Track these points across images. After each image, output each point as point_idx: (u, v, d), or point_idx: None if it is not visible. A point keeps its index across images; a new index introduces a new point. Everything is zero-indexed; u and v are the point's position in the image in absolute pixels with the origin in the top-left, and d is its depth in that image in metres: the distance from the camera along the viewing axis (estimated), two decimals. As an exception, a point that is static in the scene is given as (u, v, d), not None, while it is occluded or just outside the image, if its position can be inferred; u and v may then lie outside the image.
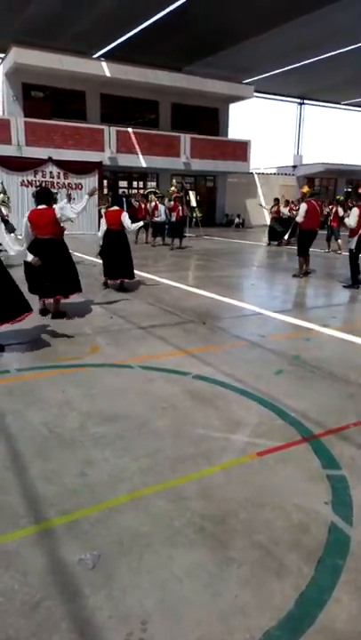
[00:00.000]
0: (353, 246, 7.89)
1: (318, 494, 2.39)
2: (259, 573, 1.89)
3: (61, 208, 5.68)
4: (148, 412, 3.31)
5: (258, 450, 2.81)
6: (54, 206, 5.66)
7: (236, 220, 24.42)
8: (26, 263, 5.52)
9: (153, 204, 14.36)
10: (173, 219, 13.63)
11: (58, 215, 5.56)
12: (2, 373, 4.02)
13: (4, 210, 10.92)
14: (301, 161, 29.73)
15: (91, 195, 6.34)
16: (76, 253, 11.50)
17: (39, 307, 5.87)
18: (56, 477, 2.52)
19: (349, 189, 23.76)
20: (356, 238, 7.81)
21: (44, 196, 5.79)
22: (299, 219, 8.87)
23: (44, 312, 5.91)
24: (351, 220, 7.80)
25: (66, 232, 5.95)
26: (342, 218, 11.45)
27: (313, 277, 9.14)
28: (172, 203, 13.70)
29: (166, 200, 14.11)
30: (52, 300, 5.86)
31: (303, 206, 8.82)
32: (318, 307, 7.15)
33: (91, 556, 1.95)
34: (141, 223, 8.05)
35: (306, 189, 9.20)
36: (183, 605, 1.74)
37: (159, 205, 13.96)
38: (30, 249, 5.42)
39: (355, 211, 7.81)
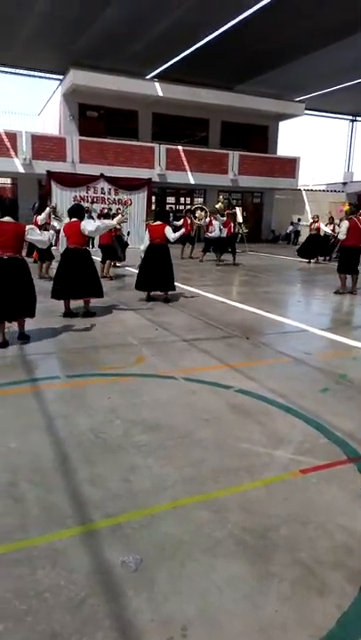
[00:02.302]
0: None
1: (363, 515, 2.34)
2: (300, 590, 1.87)
3: (87, 222, 6.55)
4: (191, 423, 3.35)
5: (301, 467, 2.78)
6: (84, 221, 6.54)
7: (293, 235, 24.29)
8: (57, 269, 6.58)
9: (208, 219, 14.51)
10: (225, 234, 13.73)
11: (82, 228, 6.38)
12: (52, 379, 4.19)
13: (56, 224, 11.41)
14: (352, 178, 29.24)
15: (119, 222, 7.56)
16: (126, 268, 11.88)
17: (64, 310, 6.63)
18: (101, 481, 2.59)
19: None
20: None
21: (75, 210, 6.68)
22: (341, 236, 8.87)
23: (68, 314, 6.59)
24: None
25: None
26: None
27: (359, 295, 8.94)
28: (225, 219, 13.81)
29: (218, 216, 14.22)
30: (78, 303, 6.66)
31: (345, 223, 8.81)
32: (367, 326, 6.97)
33: (133, 559, 2.00)
34: (183, 230, 8.22)
35: (346, 207, 9.23)
36: (223, 615, 1.75)
37: (214, 221, 14.07)
38: (62, 256, 6.61)
39: None
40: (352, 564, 2.01)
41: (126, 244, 12.50)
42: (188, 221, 14.98)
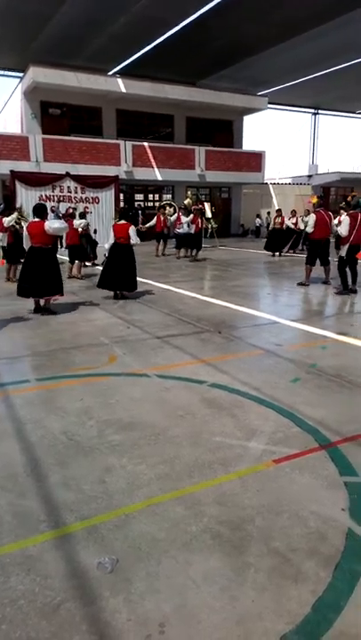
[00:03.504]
0: (344, 254, 8.16)
1: (335, 501, 2.39)
2: (276, 579, 1.90)
3: (52, 222, 6.66)
4: (166, 420, 3.35)
5: (274, 457, 2.81)
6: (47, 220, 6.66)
7: (263, 228, 24.61)
8: (22, 268, 6.80)
9: (176, 215, 14.51)
10: (192, 230, 13.77)
11: (46, 227, 6.47)
12: (22, 383, 4.11)
13: (24, 224, 11.16)
14: (317, 170, 29.75)
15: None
16: (97, 267, 11.79)
17: (34, 306, 6.80)
18: (75, 484, 2.56)
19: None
20: (347, 246, 8.08)
21: (38, 210, 6.69)
22: (309, 229, 8.96)
23: (38, 310, 6.76)
24: (343, 229, 7.97)
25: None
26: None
27: (327, 285, 9.09)
28: (192, 215, 13.84)
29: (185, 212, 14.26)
30: (42, 301, 6.77)
31: (312, 217, 8.92)
32: (333, 315, 7.12)
33: (109, 560, 1.99)
34: (138, 241, 7.84)
35: (314, 200, 9.32)
36: (201, 609, 1.76)
37: (182, 217, 14.06)
38: (27, 255, 6.71)
39: (346, 219, 7.95)
40: (325, 550, 2.05)
41: (96, 243, 12.42)
42: (162, 218, 14.95)
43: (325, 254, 9.11)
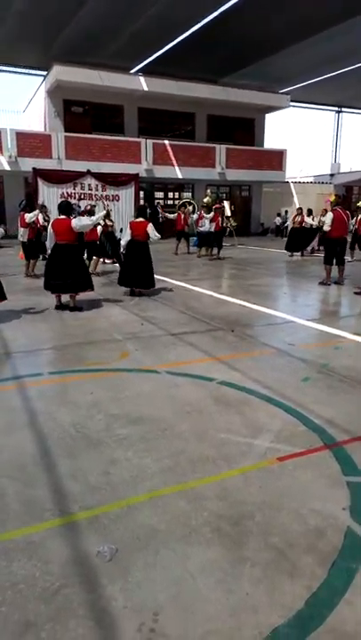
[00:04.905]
0: None
1: (337, 500, 2.39)
2: (271, 573, 1.92)
3: (79, 220, 6.72)
4: (173, 415, 3.38)
5: (279, 455, 2.82)
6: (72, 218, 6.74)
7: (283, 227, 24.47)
8: (47, 263, 6.83)
9: (198, 213, 14.57)
10: (213, 229, 13.80)
11: (74, 225, 6.50)
12: (35, 376, 4.20)
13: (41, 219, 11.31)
14: (339, 169, 29.36)
15: (105, 217, 8.29)
16: (116, 265, 11.89)
17: (55, 302, 6.80)
18: (81, 475, 2.62)
19: None
20: None
21: (64, 207, 6.76)
22: (326, 227, 8.87)
23: (60, 307, 6.77)
24: None
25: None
26: None
27: (345, 286, 8.99)
28: (213, 214, 13.85)
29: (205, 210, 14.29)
30: (67, 297, 6.75)
31: (330, 215, 8.83)
32: (351, 315, 7.04)
33: (108, 549, 2.03)
34: (159, 236, 8.01)
35: (332, 198, 9.23)
36: (195, 600, 1.79)
37: (203, 215, 14.10)
38: (52, 251, 6.75)
39: None
40: (323, 547, 2.06)
41: (119, 241, 12.54)
42: (182, 216, 15.00)
43: (342, 254, 9.02)
